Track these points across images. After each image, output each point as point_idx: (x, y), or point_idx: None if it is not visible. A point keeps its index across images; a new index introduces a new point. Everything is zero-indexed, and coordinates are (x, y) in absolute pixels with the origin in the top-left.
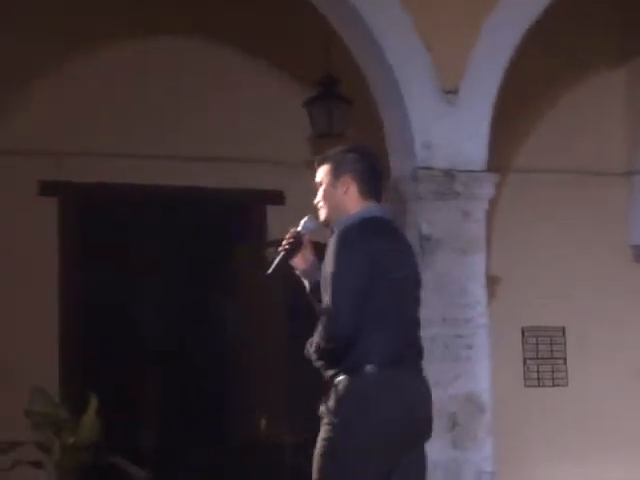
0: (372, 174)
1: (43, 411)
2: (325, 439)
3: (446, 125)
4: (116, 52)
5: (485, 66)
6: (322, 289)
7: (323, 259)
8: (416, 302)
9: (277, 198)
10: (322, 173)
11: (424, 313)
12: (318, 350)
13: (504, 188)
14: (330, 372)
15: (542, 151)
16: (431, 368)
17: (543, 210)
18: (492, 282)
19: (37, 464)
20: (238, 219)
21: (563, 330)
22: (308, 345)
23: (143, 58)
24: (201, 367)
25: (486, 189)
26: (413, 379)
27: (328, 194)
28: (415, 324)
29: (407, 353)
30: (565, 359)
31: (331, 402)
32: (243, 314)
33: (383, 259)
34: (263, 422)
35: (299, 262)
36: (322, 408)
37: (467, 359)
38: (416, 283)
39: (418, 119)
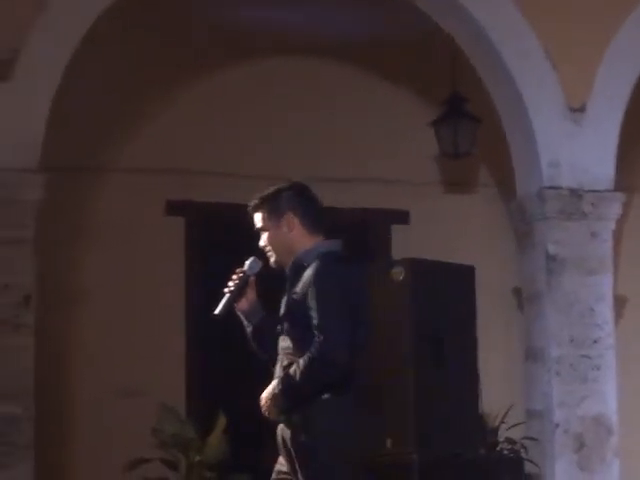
0: (311, 208)
1: (170, 430)
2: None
3: (573, 144)
4: (242, 72)
5: (613, 84)
6: (287, 320)
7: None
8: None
9: (402, 217)
10: (261, 219)
11: (550, 333)
12: (311, 380)
13: (631, 207)
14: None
15: None
16: (557, 388)
17: None
18: (619, 302)
19: None
20: (362, 238)
21: None
22: (291, 375)
23: (269, 78)
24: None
25: (614, 209)
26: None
27: (274, 237)
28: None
29: (357, 382)
30: None
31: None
32: (369, 332)
33: (353, 292)
34: (389, 441)
35: (243, 304)
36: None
37: (594, 380)
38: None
39: (544, 138)
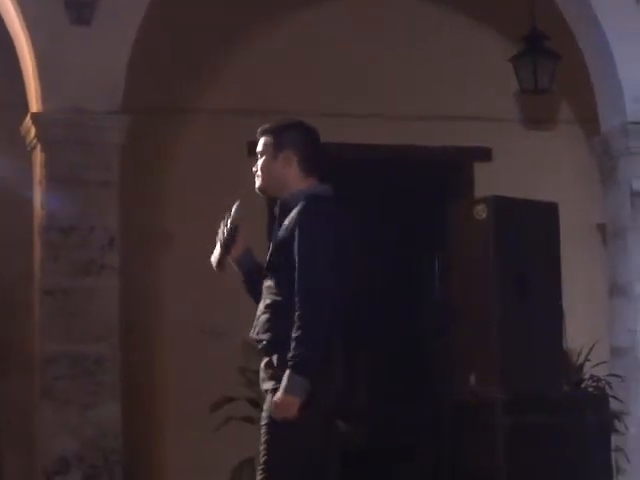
0: (314, 152)
1: (256, 368)
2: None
3: None
4: (326, 11)
5: None
6: (271, 259)
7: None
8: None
9: (485, 155)
10: (263, 144)
11: (635, 269)
12: (315, 328)
13: None
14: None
15: None
16: None
17: None
18: None
19: (249, 419)
20: (445, 177)
21: None
22: (295, 352)
23: (353, 17)
24: (409, 323)
25: None
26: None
27: (268, 166)
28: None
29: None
30: None
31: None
32: (453, 271)
33: (336, 233)
34: (473, 378)
35: (235, 252)
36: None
37: None
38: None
39: (628, 73)
